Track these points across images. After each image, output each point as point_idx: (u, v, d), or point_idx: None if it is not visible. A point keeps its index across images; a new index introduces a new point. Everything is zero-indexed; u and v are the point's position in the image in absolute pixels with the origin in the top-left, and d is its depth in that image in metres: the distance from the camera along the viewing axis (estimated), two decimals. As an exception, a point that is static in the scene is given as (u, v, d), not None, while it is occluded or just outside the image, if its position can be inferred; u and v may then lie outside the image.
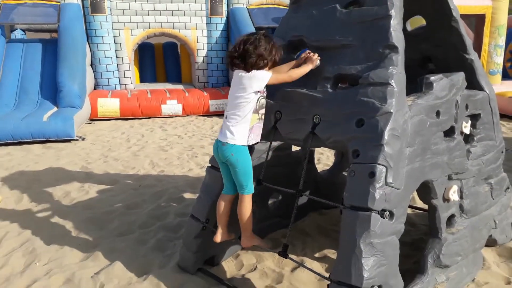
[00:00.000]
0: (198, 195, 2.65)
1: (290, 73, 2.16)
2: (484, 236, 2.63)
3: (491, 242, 2.80)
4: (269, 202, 3.08)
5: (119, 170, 4.79)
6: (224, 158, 2.22)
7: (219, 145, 2.22)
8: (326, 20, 2.24)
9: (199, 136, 6.52)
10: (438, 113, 2.15)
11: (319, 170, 3.65)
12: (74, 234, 3.14)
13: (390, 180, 1.81)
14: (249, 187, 2.23)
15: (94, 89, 8.79)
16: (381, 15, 2.03)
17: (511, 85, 8.27)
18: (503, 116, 7.65)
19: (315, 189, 3.32)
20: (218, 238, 2.36)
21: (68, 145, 6.06)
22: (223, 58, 9.78)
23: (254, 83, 2.10)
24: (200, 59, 9.70)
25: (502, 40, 8.09)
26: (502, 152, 2.85)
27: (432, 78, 2.18)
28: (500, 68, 8.24)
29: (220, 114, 8.46)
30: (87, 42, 8.48)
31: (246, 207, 2.25)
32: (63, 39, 7.79)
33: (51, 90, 7.42)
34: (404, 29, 2.82)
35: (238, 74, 2.16)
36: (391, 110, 1.85)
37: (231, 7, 9.70)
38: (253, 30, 9.07)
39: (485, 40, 8.03)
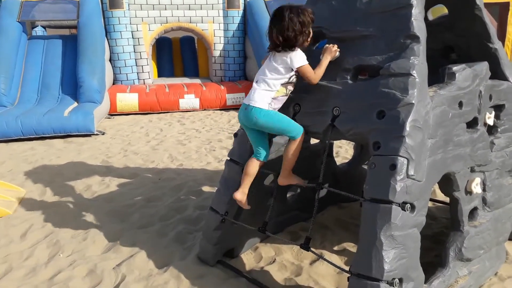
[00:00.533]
0: (217, 188, 2.67)
1: (318, 72, 2.17)
2: (508, 229, 2.58)
3: (515, 236, 2.74)
4: (288, 195, 3.07)
5: (139, 164, 4.85)
6: (249, 122, 2.25)
7: (243, 109, 2.27)
8: (346, 10, 2.21)
9: (217, 130, 6.55)
10: (460, 104, 2.11)
11: (338, 163, 3.63)
12: (96, 227, 3.20)
13: (411, 172, 1.78)
14: (296, 131, 2.23)
15: (113, 84, 8.90)
16: (402, 4, 1.98)
17: (536, 75, 8.03)
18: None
19: (334, 182, 3.29)
20: (238, 195, 2.38)
21: (88, 139, 6.16)
22: (240, 51, 9.77)
23: (294, 61, 2.15)
24: (217, 53, 9.71)
25: (526, 29, 7.84)
26: (527, 143, 2.77)
27: (455, 68, 2.13)
28: (525, 58, 8.00)
29: (237, 107, 8.48)
30: (105, 38, 8.58)
31: (294, 149, 2.26)
32: (82, 35, 7.90)
33: (72, 86, 7.55)
34: (426, 19, 2.77)
35: (281, 54, 2.19)
36: (413, 101, 1.82)
37: (248, 0, 9.67)
38: (269, 23, 9.02)
39: (509, 28, 7.82)
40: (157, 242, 2.93)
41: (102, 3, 8.81)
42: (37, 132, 6.16)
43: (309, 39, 2.22)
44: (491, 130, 2.52)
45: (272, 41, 2.22)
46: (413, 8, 1.96)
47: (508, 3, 7.71)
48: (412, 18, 1.95)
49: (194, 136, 6.14)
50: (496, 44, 2.54)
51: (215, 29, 9.58)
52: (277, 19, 2.18)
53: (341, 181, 3.33)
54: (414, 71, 1.87)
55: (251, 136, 2.34)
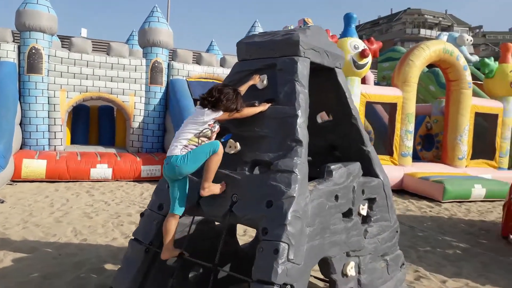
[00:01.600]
0: (119, 266, 2.72)
1: (242, 111, 2.52)
2: (381, 309, 2.94)
3: (389, 315, 3.11)
4: (190, 275, 3.19)
5: (39, 237, 4.63)
6: (172, 173, 2.47)
7: (165, 163, 2.50)
8: (247, 113, 2.60)
9: (127, 203, 6.50)
10: (336, 197, 2.52)
11: (246, 241, 3.85)
12: (-18, 306, 3.00)
13: (291, 256, 2.08)
14: (213, 147, 2.46)
15: (21, 148, 8.51)
16: (290, 114, 2.42)
17: (420, 167, 9.27)
18: (413, 195, 8.50)
19: (236, 262, 3.49)
20: (165, 255, 2.51)
21: (-16, 207, 5.74)
22: (159, 125, 10.02)
23: (209, 117, 2.49)
24: (136, 124, 9.85)
25: (411, 126, 9.18)
26: (397, 231, 3.27)
27: (332, 167, 2.57)
28: (411, 151, 9.25)
29: (152, 180, 8.51)
30: (18, 101, 8.34)
31: (216, 161, 2.47)
32: (-7, 97, 7.62)
33: (-28, 148, 7.10)
34: (315, 121, 3.30)
35: (202, 109, 2.52)
36: (294, 195, 2.18)
37: (171, 78, 10.16)
38: (191, 101, 9.50)
39: (397, 125, 9.07)
40: (50, 323, 2.83)
41: (19, 67, 8.68)
42: None
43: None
44: (365, 219, 2.97)
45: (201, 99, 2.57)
46: (298, 117, 2.40)
47: (396, 104, 9.02)
48: (297, 126, 2.38)
49: (102, 209, 6.02)
50: (369, 147, 3.09)
51: (136, 102, 9.81)
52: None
53: (244, 261, 3.53)
54: (296, 169, 2.25)
55: (173, 190, 2.53)
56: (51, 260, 3.94)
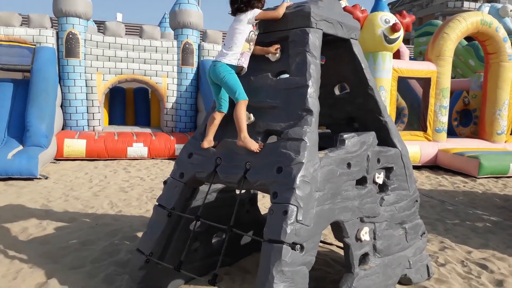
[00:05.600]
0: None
1: (278, 10, 2.67)
2: (397, 275, 3.00)
3: (406, 281, 3.17)
4: (213, 240, 3.37)
5: (78, 209, 4.98)
6: (215, 77, 2.69)
7: (212, 65, 2.70)
8: (260, 85, 2.69)
9: (161, 178, 6.79)
10: (349, 165, 2.58)
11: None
12: (28, 267, 3.31)
13: (300, 218, 2.18)
14: (241, 95, 2.62)
15: (62, 129, 9.00)
16: (301, 84, 2.49)
17: (455, 142, 9.03)
18: (448, 171, 8.33)
19: (258, 230, 3.64)
20: (205, 144, 2.74)
21: (30, 183, 6.19)
22: (191, 105, 10.26)
23: (248, 17, 2.66)
24: (169, 105, 10.13)
25: (446, 102, 8.91)
26: (416, 201, 3.29)
27: (345, 136, 2.63)
28: (445, 127, 9.01)
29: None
30: (58, 84, 8.79)
31: (240, 111, 2.61)
32: (35, 80, 8.08)
33: (19, 129, 7.61)
34: (333, 94, 3.34)
35: (238, 16, 2.70)
36: (303, 161, 2.26)
37: (201, 59, 10.32)
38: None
39: (431, 100, 8.84)
40: (87, 283, 3.09)
41: (58, 51, 9.11)
42: (-24, 174, 6.13)
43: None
44: (382, 188, 3.02)
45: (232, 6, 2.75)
46: (309, 88, 2.47)
47: (430, 79, 8.78)
48: (308, 96, 2.45)
49: (137, 184, 6.34)
50: (386, 117, 3.11)
51: (169, 83, 10.07)
52: None
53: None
54: (305, 137, 2.33)
55: (216, 91, 2.77)
56: (88, 229, 4.25)
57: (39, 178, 6.41)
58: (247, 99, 2.64)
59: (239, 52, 2.67)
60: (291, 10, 2.68)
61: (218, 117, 2.77)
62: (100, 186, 6.12)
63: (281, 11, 2.68)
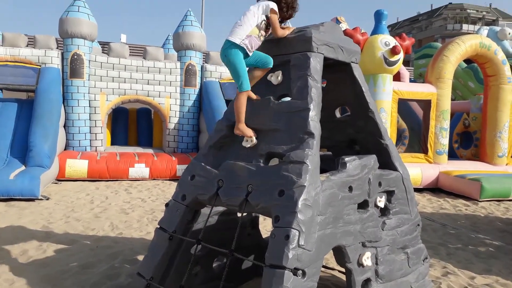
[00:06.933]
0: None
1: (284, 30, 2.76)
2: (401, 300, 2.96)
3: (409, 307, 3.12)
4: (214, 264, 3.34)
5: (79, 230, 4.95)
6: (223, 58, 2.71)
7: (224, 45, 2.69)
8: (262, 108, 2.72)
9: (162, 200, 6.77)
10: (350, 188, 2.58)
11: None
12: (26, 290, 3.28)
13: (302, 242, 2.17)
14: (244, 84, 2.64)
15: (65, 149, 9.03)
16: (303, 108, 2.52)
17: (456, 165, 9.01)
18: (449, 194, 8.29)
19: (259, 254, 3.61)
20: (237, 131, 2.73)
21: (32, 204, 6.18)
22: (193, 125, 10.32)
23: (265, 5, 2.72)
24: (171, 126, 10.19)
25: (446, 124, 8.94)
26: (418, 225, 3.27)
27: (346, 159, 2.64)
28: (446, 149, 9.01)
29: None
30: (62, 104, 8.87)
31: (241, 101, 2.67)
32: (40, 100, 8.17)
33: (22, 149, 7.63)
34: (334, 116, 3.37)
35: (256, 4, 2.76)
36: (305, 184, 2.27)
37: (204, 80, 10.43)
38: (223, 102, 9.74)
39: (432, 123, 8.87)
40: (85, 306, 3.06)
41: (62, 72, 9.23)
42: (-22, 194, 6.12)
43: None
44: (384, 211, 3.01)
45: None
46: (310, 111, 2.49)
47: (430, 101, 8.83)
48: (309, 119, 2.47)
49: (138, 206, 6.32)
50: (387, 140, 3.12)
51: (172, 104, 10.15)
52: None
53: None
54: (307, 160, 2.34)
55: (231, 71, 2.72)
56: (89, 252, 4.21)
57: (41, 199, 6.40)
58: (250, 89, 2.69)
59: (246, 34, 2.67)
60: (293, 35, 2.73)
61: (244, 99, 2.71)
62: (101, 208, 6.10)
63: (286, 32, 2.74)
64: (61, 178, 8.03)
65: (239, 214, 3.36)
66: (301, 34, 2.66)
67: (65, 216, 5.55)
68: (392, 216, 3.00)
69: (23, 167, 7.10)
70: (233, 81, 10.68)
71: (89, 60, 9.30)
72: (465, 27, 52.07)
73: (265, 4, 2.73)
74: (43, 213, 5.66)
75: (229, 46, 2.68)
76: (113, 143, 10.82)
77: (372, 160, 2.80)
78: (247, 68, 2.75)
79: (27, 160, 7.28)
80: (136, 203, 6.51)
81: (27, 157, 7.33)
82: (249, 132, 2.67)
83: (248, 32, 2.67)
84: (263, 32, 2.77)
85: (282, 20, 2.85)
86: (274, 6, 2.72)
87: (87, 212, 5.80)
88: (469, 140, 10.32)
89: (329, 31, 2.77)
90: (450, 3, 57.61)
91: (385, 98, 8.32)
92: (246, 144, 2.71)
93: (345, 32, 8.24)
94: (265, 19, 2.74)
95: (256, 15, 2.71)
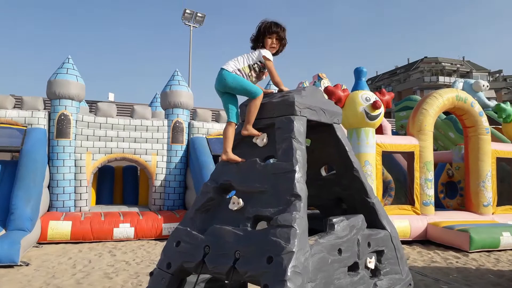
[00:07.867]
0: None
1: (280, 84, 2.97)
2: None
3: None
4: (202, 332, 3.19)
5: (60, 298, 4.72)
6: (220, 85, 2.90)
7: (219, 73, 2.90)
8: (249, 170, 2.74)
9: (147, 262, 6.55)
10: (340, 251, 2.55)
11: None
12: None
13: (292, 312, 2.10)
14: (255, 92, 2.83)
15: (48, 210, 8.81)
16: (288, 170, 2.54)
17: (444, 215, 9.02)
18: (439, 245, 8.22)
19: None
20: (224, 157, 2.88)
21: (10, 271, 5.91)
22: (180, 182, 10.24)
23: (263, 53, 2.95)
24: (158, 183, 10.09)
25: (431, 174, 9.06)
26: (410, 284, 3.22)
27: (334, 220, 2.63)
28: (432, 200, 9.06)
29: (173, 238, 8.54)
30: (47, 165, 8.76)
31: (255, 104, 2.82)
32: (24, 161, 8.04)
33: (3, 212, 7.39)
34: (320, 174, 3.40)
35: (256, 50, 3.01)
36: (294, 250, 2.24)
37: (191, 136, 10.51)
38: (210, 157, 9.76)
39: (416, 174, 8.97)
40: None
41: (49, 132, 9.21)
42: (-47, 262, 5.84)
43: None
44: (375, 272, 2.96)
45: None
46: (296, 173, 2.52)
47: (413, 153, 9.00)
48: (295, 181, 2.49)
49: (123, 269, 6.09)
50: (373, 198, 3.14)
51: (158, 161, 10.13)
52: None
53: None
54: (295, 224, 2.33)
55: (225, 101, 2.95)
56: (69, 322, 4.00)
57: (20, 265, 6.13)
58: (262, 93, 2.85)
59: (238, 68, 2.89)
60: (276, 99, 2.82)
61: (232, 130, 2.90)
62: (83, 273, 5.86)
63: (282, 85, 2.94)
64: (42, 241, 7.75)
65: (226, 281, 3.27)
66: (284, 98, 2.75)
67: (45, 284, 5.30)
68: (383, 277, 2.96)
69: (3, 231, 6.86)
70: (220, 136, 10.74)
71: (76, 120, 9.34)
72: (441, 79, 54.48)
73: (256, 53, 2.99)
74: (22, 281, 5.40)
75: (224, 73, 2.88)
76: (98, 201, 10.61)
77: (360, 220, 2.79)
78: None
79: (7, 224, 7.04)
80: (121, 266, 6.28)
81: (8, 220, 7.09)
82: (256, 131, 2.82)
83: (240, 67, 2.91)
84: (253, 73, 2.97)
85: (276, 53, 3.11)
86: (266, 53, 2.95)
87: (69, 278, 5.56)
88: (454, 190, 10.43)
89: (311, 95, 2.87)
90: (426, 57, 60.57)
91: (369, 151, 8.46)
92: (233, 207, 2.69)
93: (327, 89, 8.53)
94: (258, 63, 2.96)
95: (250, 57, 2.96)
